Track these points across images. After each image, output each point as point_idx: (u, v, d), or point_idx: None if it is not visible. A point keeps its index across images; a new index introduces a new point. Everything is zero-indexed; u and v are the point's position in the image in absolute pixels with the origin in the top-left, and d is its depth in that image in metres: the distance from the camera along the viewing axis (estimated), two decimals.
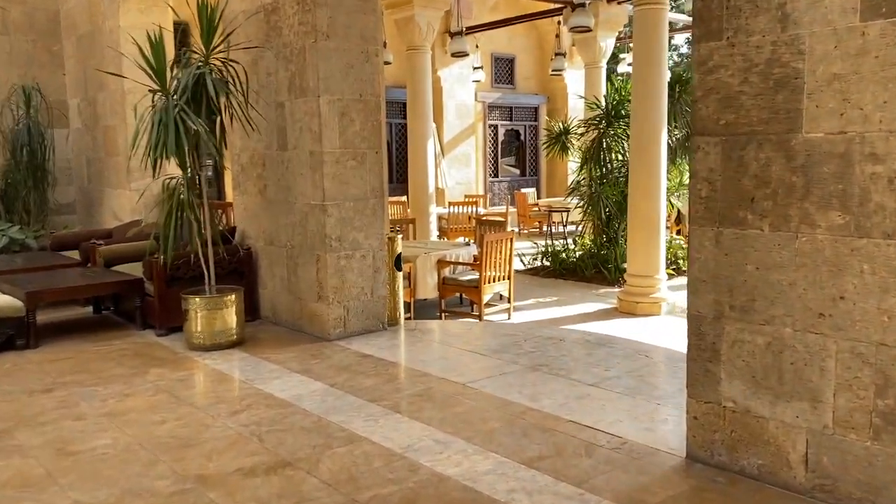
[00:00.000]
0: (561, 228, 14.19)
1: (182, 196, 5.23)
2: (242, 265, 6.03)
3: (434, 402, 3.96)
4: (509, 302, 7.98)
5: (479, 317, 7.59)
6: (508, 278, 7.90)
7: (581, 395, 4.01)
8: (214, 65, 5.39)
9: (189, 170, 5.29)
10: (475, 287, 7.58)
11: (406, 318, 6.18)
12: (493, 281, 7.67)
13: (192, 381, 4.61)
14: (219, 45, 5.43)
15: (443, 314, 7.86)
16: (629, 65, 14.83)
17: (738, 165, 2.86)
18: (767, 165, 2.77)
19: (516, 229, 15.36)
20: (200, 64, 5.27)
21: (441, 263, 7.81)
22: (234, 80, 5.37)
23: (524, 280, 10.09)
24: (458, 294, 8.18)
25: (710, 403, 3.04)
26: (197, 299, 5.21)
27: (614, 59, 16.65)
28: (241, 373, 4.69)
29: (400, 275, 5.81)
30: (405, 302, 7.61)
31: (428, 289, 7.78)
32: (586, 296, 9.15)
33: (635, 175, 8.22)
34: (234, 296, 5.30)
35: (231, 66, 5.42)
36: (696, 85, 2.97)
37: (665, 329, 7.37)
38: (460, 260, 8.05)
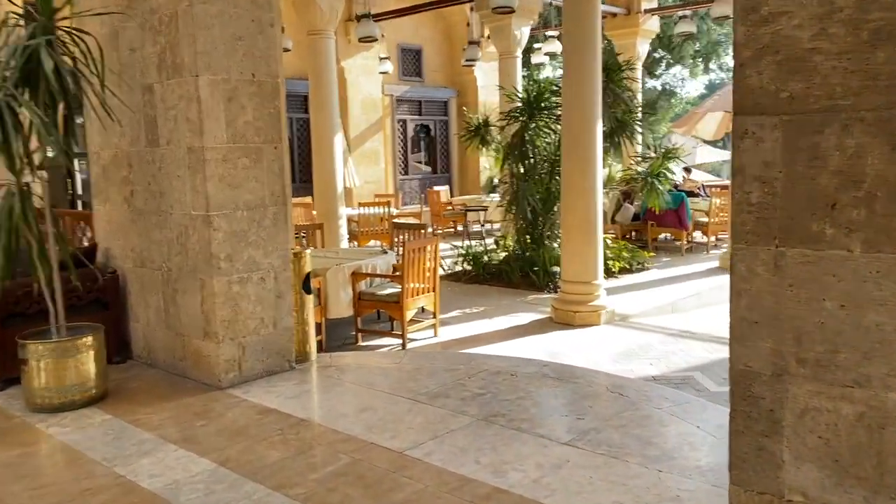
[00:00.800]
0: (478, 228, 13.35)
1: (15, 208, 3.94)
2: (106, 293, 4.75)
3: (364, 487, 2.91)
4: (434, 316, 7.00)
5: (402, 336, 6.57)
6: (433, 290, 6.92)
7: (557, 461, 3.07)
8: (57, 37, 4.12)
9: (23, 173, 4.00)
10: (396, 302, 6.56)
11: (319, 352, 5.07)
12: (417, 294, 6.67)
13: (26, 466, 3.35)
14: (61, 9, 4.15)
15: (359, 334, 6.78)
16: (546, 54, 14.20)
17: (810, 157, 1.97)
18: (859, 156, 1.90)
19: (430, 229, 14.41)
20: (36, 34, 3.99)
21: (356, 276, 6.73)
22: (85, 56, 4.12)
23: (446, 287, 9.12)
24: (376, 310, 7.14)
25: (767, 495, 2.15)
26: (39, 346, 3.93)
27: (528, 51, 15.98)
28: (99, 448, 3.46)
29: (310, 298, 4.71)
30: (315, 323, 6.51)
31: (341, 306, 6.68)
32: (516, 304, 8.28)
33: (568, 172, 7.41)
34: (91, 337, 4.05)
35: (81, 38, 4.16)
36: (741, 42, 2.06)
37: (613, 343, 6.58)
38: (378, 271, 7.00)
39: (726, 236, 11.97)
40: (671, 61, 31.58)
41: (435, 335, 6.95)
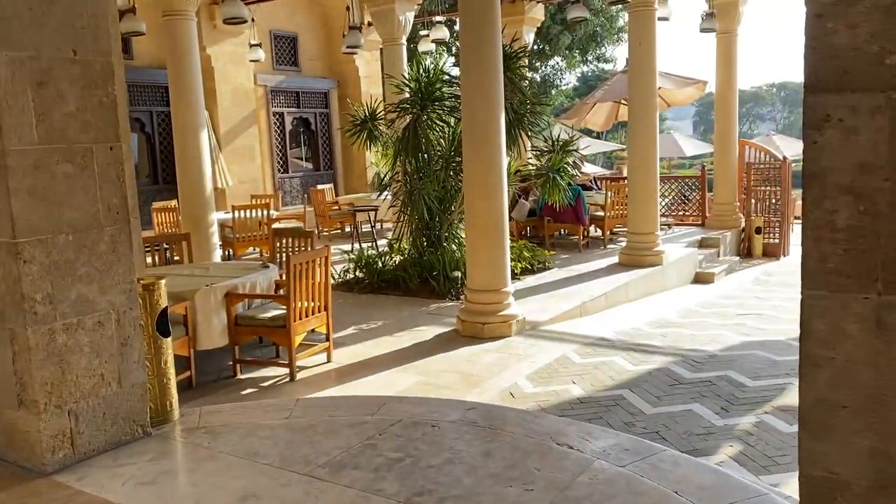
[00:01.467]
0: (368, 228, 12.44)
1: None
2: None
3: None
4: (328, 339, 6.07)
5: (290, 366, 5.61)
6: (325, 309, 5.99)
7: None
8: None
9: None
10: (282, 327, 5.58)
11: (190, 389, 4.01)
12: (306, 315, 5.72)
13: None
14: None
15: (237, 366, 5.76)
16: (434, 42, 13.42)
17: None
18: None
19: (315, 231, 13.33)
20: None
21: (231, 297, 5.69)
22: None
23: (337, 299, 8.16)
24: (258, 337, 6.13)
25: None
26: None
27: (413, 39, 15.16)
28: None
29: (168, 342, 3.69)
30: (181, 356, 5.43)
31: (214, 335, 5.62)
32: (417, 315, 7.48)
33: (471, 169, 6.67)
34: None
35: None
36: None
37: (529, 359, 5.90)
38: (258, 290, 5.98)
39: (623, 230, 11.71)
40: (549, 53, 31.71)
41: (329, 360, 6.03)
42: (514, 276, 8.76)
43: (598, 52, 31.42)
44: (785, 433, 4.23)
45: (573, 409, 4.82)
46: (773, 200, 12.52)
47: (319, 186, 13.93)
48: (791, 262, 11.80)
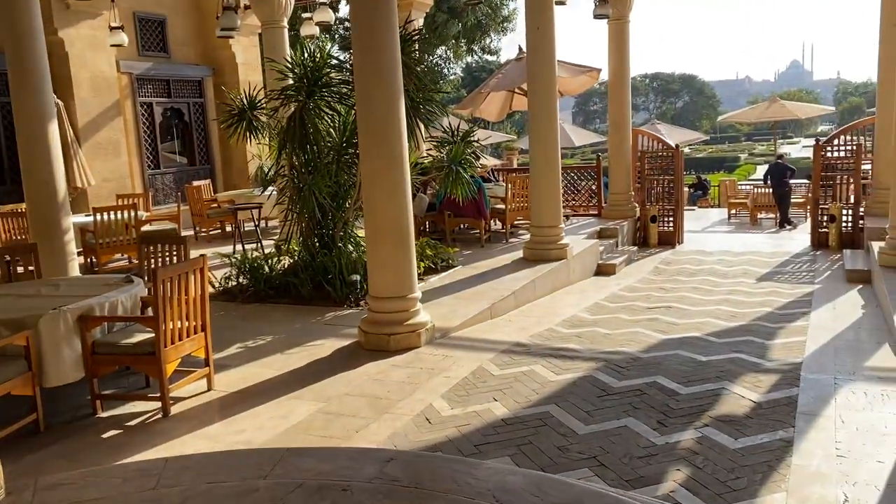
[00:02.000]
0: (252, 227, 11.45)
1: None
2: None
3: None
4: (208, 364, 5.22)
5: (163, 399, 4.73)
6: (203, 329, 5.14)
7: None
8: None
9: None
10: (150, 354, 4.69)
11: (37, 433, 3.11)
12: (181, 338, 4.86)
13: None
14: None
15: (98, 402, 4.82)
16: (318, 24, 12.53)
17: None
18: None
19: (191, 232, 12.20)
20: None
21: (87, 321, 4.74)
22: None
23: (218, 311, 7.30)
24: (123, 367, 5.18)
25: None
26: None
27: (294, 23, 14.18)
28: None
29: None
30: (25, 397, 4.45)
31: (65, 368, 4.65)
32: (312, 327, 6.72)
33: (370, 163, 5.97)
34: None
35: None
36: None
37: (443, 373, 5.29)
38: (120, 311, 5.03)
39: (524, 223, 11.35)
40: (435, 42, 31.19)
41: (209, 388, 5.20)
42: (418, 277, 8.14)
43: (483, 42, 31.22)
44: (732, 450, 3.84)
45: (498, 433, 4.25)
46: (667, 188, 12.53)
47: (195, 183, 12.75)
48: (685, 250, 11.85)
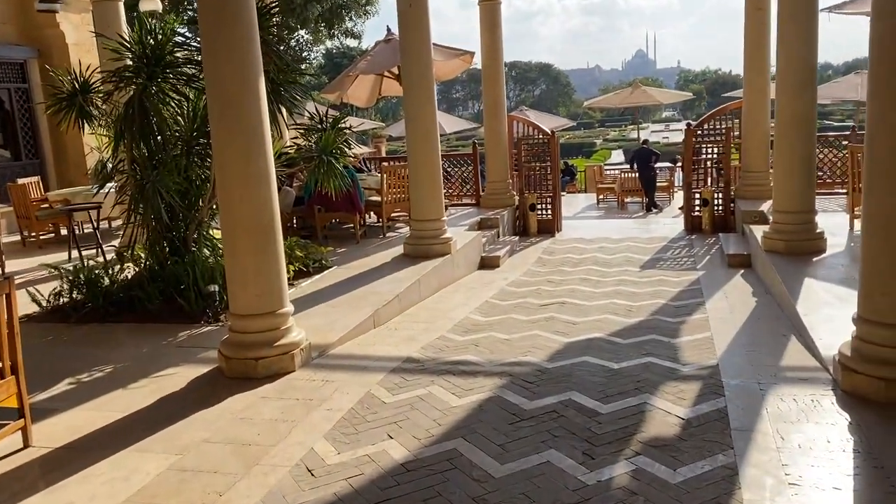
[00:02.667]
0: (90, 229, 9.96)
1: None
2: None
3: None
4: (22, 415, 4.10)
5: None
6: (14, 372, 4.01)
7: None
8: None
9: None
10: None
11: None
12: None
13: None
14: None
15: None
16: None
17: None
18: None
19: (17, 238, 10.51)
20: None
21: None
22: None
23: (45, 335, 6.10)
24: None
25: None
26: None
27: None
28: None
29: None
30: None
31: None
32: (162, 351, 5.65)
33: (226, 157, 4.99)
34: None
35: None
36: None
37: (324, 403, 4.45)
38: None
39: (402, 215, 10.61)
40: (294, 25, 29.62)
41: (26, 444, 4.09)
42: (288, 283, 7.19)
43: (343, 26, 30.01)
44: (674, 485, 3.30)
45: (398, 483, 3.50)
46: (544, 175, 12.20)
47: (21, 180, 10.99)
48: (565, 238, 11.58)
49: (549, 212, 12.10)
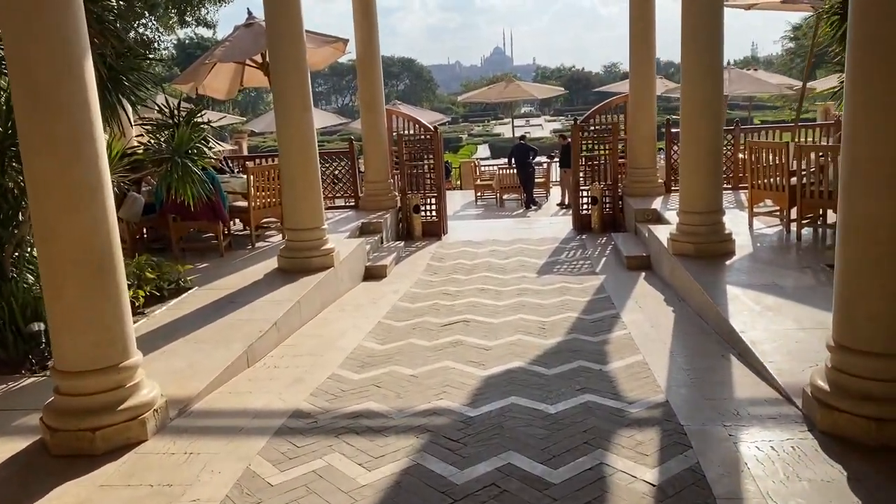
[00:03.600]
0: None
1: None
2: None
3: None
4: None
5: None
6: None
7: None
8: None
9: None
10: None
11: None
12: None
13: None
14: None
15: None
16: None
17: None
18: None
19: None
20: None
21: None
22: None
23: None
24: None
25: None
26: None
27: None
28: None
29: None
30: None
31: None
32: None
33: (39, 165, 3.71)
34: None
35: None
36: None
37: (190, 492, 3.33)
38: None
39: (273, 222, 9.39)
40: (140, 10, 26.96)
41: None
42: (136, 311, 5.88)
43: (196, 14, 27.74)
44: None
45: None
46: (427, 174, 11.36)
47: None
48: (453, 241, 10.82)
49: (435, 213, 11.29)
